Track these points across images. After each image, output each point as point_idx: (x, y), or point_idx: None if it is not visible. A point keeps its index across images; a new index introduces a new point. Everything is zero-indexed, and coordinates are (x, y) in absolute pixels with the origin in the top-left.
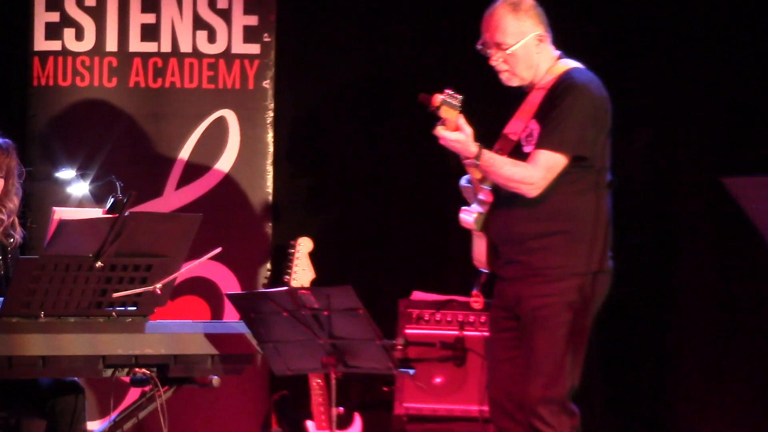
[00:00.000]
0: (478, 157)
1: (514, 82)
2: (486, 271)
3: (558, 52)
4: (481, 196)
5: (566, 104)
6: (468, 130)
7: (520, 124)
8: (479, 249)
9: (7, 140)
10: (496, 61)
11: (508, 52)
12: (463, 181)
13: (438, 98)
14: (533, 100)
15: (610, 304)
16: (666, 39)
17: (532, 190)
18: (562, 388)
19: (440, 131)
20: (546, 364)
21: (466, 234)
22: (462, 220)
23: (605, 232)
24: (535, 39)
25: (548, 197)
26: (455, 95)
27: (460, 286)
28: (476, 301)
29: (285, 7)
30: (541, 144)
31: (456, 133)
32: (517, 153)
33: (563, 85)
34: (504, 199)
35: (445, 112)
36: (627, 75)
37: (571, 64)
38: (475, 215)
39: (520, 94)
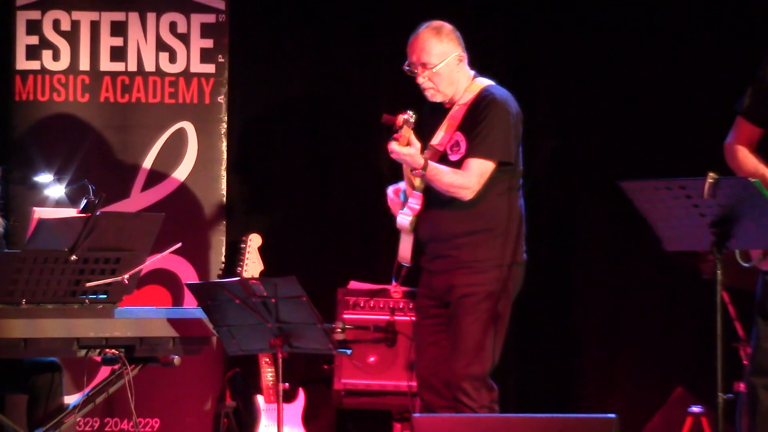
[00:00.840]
0: (425, 167)
1: (438, 98)
2: (408, 265)
3: (473, 72)
4: (412, 201)
5: (490, 117)
6: (417, 144)
7: (446, 137)
8: (405, 246)
9: None
10: (423, 79)
11: (434, 71)
12: (390, 193)
13: (401, 118)
14: (456, 115)
15: (523, 291)
16: (568, 62)
17: (469, 194)
18: (484, 366)
19: (395, 146)
20: (471, 345)
21: (393, 232)
22: (399, 222)
23: (520, 229)
24: (455, 59)
25: (476, 200)
26: (412, 115)
27: (390, 276)
28: (396, 291)
29: (237, 32)
30: (472, 153)
31: (408, 147)
32: (444, 161)
33: (485, 101)
34: (433, 203)
35: (404, 131)
36: (534, 91)
37: (486, 81)
38: (410, 218)
39: (438, 110)
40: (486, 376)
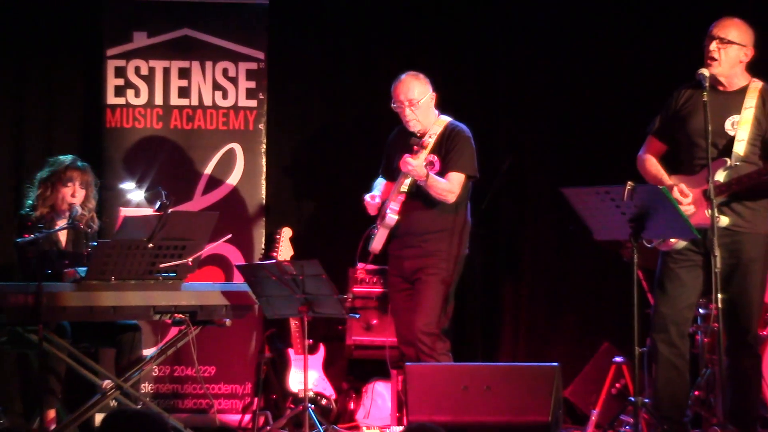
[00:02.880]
0: (427, 177)
1: (418, 127)
2: (377, 253)
3: (437, 111)
4: (394, 205)
5: (461, 144)
6: (422, 160)
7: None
8: (381, 239)
9: (85, 163)
10: (409, 112)
11: (418, 104)
12: (367, 198)
13: (423, 143)
14: (426, 142)
15: (489, 268)
16: (521, 101)
17: (452, 197)
18: (437, 326)
19: (409, 159)
20: (430, 310)
21: None
22: (388, 220)
23: (466, 230)
24: (430, 97)
25: (442, 207)
26: (429, 143)
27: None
28: (361, 270)
29: (273, 76)
30: (453, 168)
31: (417, 161)
32: None
33: (454, 132)
34: (410, 208)
35: (421, 153)
36: (496, 122)
37: (448, 118)
38: (396, 218)
39: (407, 137)
40: (439, 332)
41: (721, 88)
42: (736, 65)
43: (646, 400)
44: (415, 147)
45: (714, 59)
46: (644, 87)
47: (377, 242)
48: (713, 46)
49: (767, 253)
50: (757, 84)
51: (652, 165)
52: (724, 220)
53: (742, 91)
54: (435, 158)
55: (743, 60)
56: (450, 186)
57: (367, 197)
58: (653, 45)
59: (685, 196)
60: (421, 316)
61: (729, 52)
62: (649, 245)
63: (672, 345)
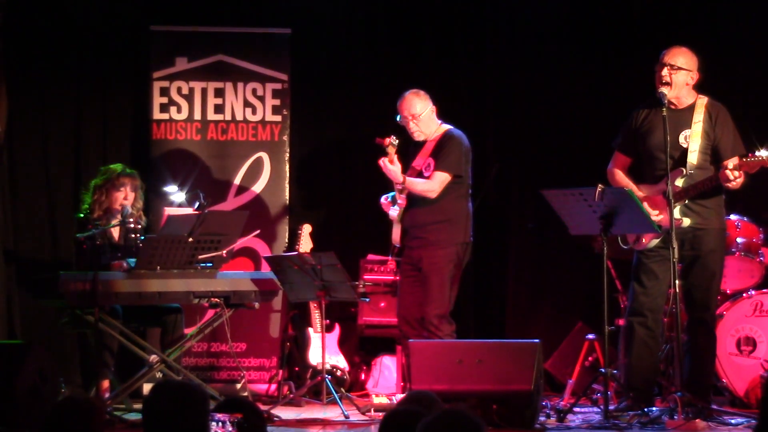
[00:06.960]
0: (403, 181)
1: (421, 137)
2: (398, 245)
3: (440, 120)
4: (399, 201)
5: (450, 146)
6: (398, 165)
7: (421, 160)
8: (396, 232)
9: (133, 170)
10: (413, 125)
11: (420, 118)
12: (382, 199)
13: (387, 141)
14: (429, 147)
15: (480, 259)
16: (507, 115)
17: (433, 194)
18: (445, 309)
19: (385, 163)
20: (437, 295)
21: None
22: (391, 215)
23: (468, 220)
24: (430, 110)
25: (439, 201)
26: (395, 138)
27: (387, 253)
28: (393, 261)
29: (295, 94)
30: (437, 168)
31: (393, 166)
32: (420, 176)
33: (447, 137)
34: (413, 203)
35: (390, 150)
36: (486, 132)
37: (448, 126)
38: (398, 212)
39: (419, 145)
40: (447, 315)
41: (672, 106)
42: (684, 87)
43: (614, 372)
44: (384, 145)
45: (666, 84)
46: (614, 103)
47: (394, 235)
48: (665, 71)
49: (723, 245)
50: (702, 100)
51: (621, 178)
52: (686, 221)
53: (691, 108)
54: (431, 161)
55: (690, 83)
56: (429, 185)
57: (382, 198)
58: (624, 65)
59: (654, 209)
60: (429, 301)
61: (678, 77)
62: (625, 246)
63: (647, 328)
